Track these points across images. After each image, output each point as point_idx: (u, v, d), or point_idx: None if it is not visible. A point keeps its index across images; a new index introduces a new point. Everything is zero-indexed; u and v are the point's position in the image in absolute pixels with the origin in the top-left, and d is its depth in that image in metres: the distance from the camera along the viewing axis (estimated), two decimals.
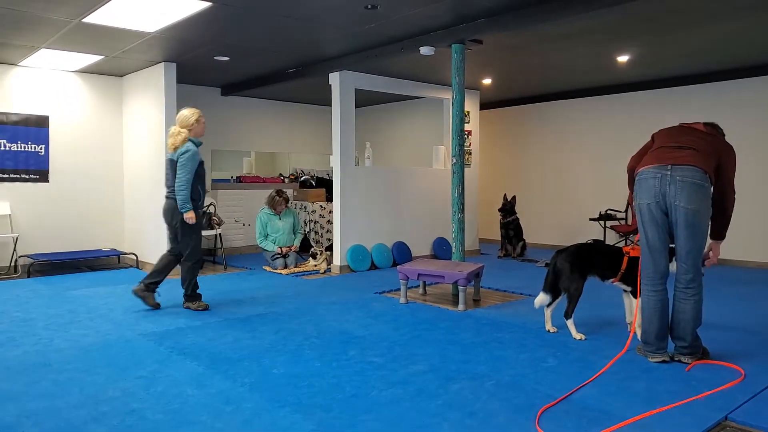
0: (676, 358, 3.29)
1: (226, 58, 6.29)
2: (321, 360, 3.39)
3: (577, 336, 3.81)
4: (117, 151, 7.37)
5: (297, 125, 9.41)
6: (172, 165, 4.56)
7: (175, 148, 4.54)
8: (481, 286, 5.58)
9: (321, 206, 8.18)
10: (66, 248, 6.92)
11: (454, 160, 5.27)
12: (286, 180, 9.15)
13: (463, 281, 4.64)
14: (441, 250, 7.65)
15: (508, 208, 7.92)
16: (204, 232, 7.08)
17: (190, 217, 4.50)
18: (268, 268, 6.86)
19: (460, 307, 4.70)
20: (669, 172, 3.14)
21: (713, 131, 3.38)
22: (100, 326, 4.18)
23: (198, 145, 4.62)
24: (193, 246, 4.65)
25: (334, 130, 6.73)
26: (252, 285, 5.89)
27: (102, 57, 6.19)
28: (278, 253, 6.86)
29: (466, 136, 7.98)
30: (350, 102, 6.75)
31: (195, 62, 6.48)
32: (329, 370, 3.20)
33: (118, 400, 2.77)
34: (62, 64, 6.56)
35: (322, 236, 8.10)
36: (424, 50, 5.36)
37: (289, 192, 8.70)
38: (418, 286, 5.46)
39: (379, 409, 2.66)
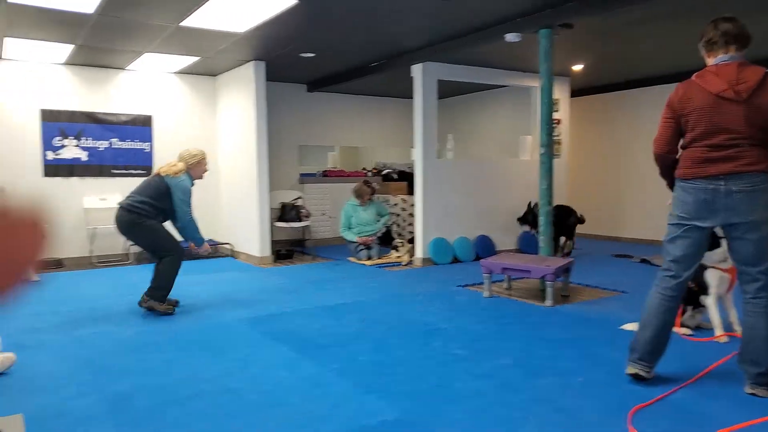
0: (750, 391, 2.69)
1: (312, 55, 6.48)
2: (405, 349, 3.44)
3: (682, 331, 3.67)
4: (213, 147, 7.80)
5: (379, 119, 9.52)
6: (159, 180, 4.36)
7: (167, 173, 4.38)
8: (571, 282, 5.41)
9: (403, 199, 8.24)
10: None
11: (542, 151, 5.13)
12: (369, 174, 9.29)
13: (550, 276, 4.52)
14: (527, 244, 7.48)
15: (530, 219, 6.90)
16: (293, 224, 7.39)
17: (207, 248, 4.58)
18: (352, 259, 7.02)
19: (547, 302, 4.59)
20: (723, 185, 2.60)
21: (755, 73, 2.56)
22: (200, 311, 4.47)
23: (192, 184, 4.49)
24: (167, 242, 4.37)
25: (416, 123, 6.75)
26: (338, 275, 6.06)
27: (198, 58, 6.57)
28: (360, 244, 7.00)
29: (554, 125, 7.71)
30: (432, 94, 6.74)
31: (282, 60, 6.73)
32: (413, 360, 3.25)
33: (216, 379, 2.96)
34: (163, 67, 7.03)
35: (404, 229, 8.17)
36: (510, 37, 5.24)
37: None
38: (503, 280, 5.39)
39: (463, 400, 2.67)
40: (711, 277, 3.56)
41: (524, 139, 7.76)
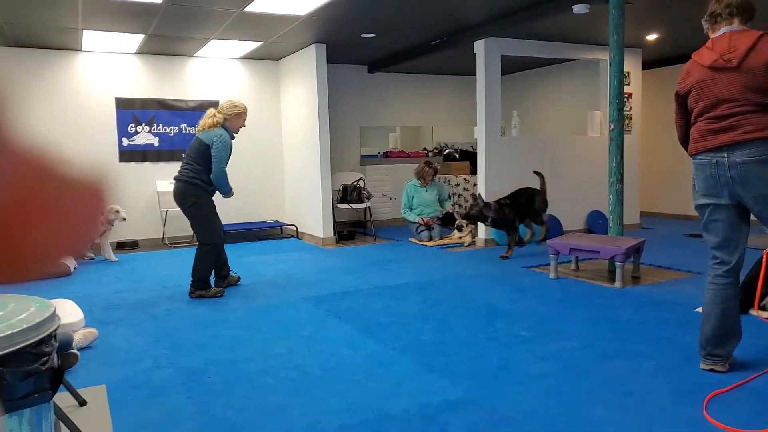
0: None
1: (373, 35, 6.45)
2: (467, 330, 3.42)
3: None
4: (276, 131, 7.96)
5: (440, 98, 9.40)
6: (198, 143, 4.32)
7: (202, 129, 4.36)
8: (642, 263, 5.19)
9: (465, 179, 8.13)
10: (237, 220, 7.69)
11: (612, 126, 4.91)
12: (430, 154, 9.22)
13: (620, 257, 4.35)
14: (596, 224, 7.24)
15: (474, 213, 5.84)
16: (354, 205, 7.47)
17: (232, 194, 4.48)
18: (413, 240, 7.03)
19: (617, 284, 4.43)
20: (725, 157, 2.43)
21: (747, 37, 2.44)
22: (266, 290, 4.61)
23: (231, 137, 4.41)
24: (204, 231, 4.38)
25: (478, 100, 6.61)
26: (399, 255, 6.08)
27: (261, 43, 6.69)
28: (421, 224, 6.98)
29: (625, 100, 7.38)
30: (496, 70, 6.57)
31: (343, 41, 6.74)
32: (476, 341, 3.22)
33: (284, 356, 3.05)
34: (228, 53, 7.21)
35: (466, 209, 8.07)
36: (578, 8, 5.02)
37: None
38: (570, 261, 5.24)
39: (528, 382, 2.63)
40: None
41: (593, 114, 7.46)
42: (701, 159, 2.54)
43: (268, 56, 7.56)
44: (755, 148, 2.36)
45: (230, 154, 4.38)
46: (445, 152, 9.28)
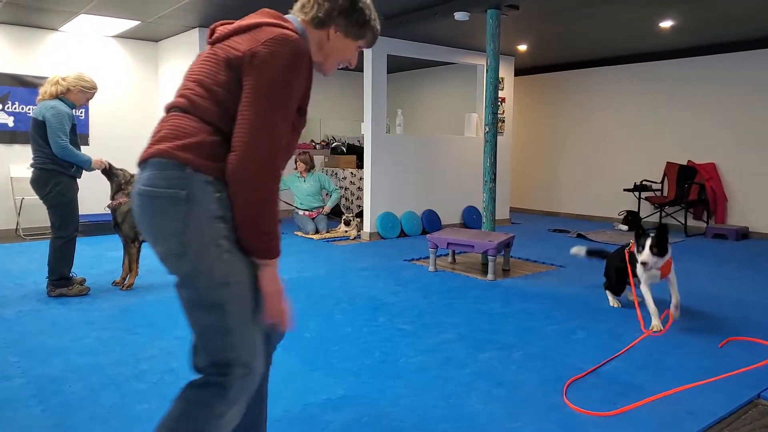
0: None
1: None
2: (351, 325, 3.46)
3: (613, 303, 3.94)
4: (153, 115, 7.48)
5: (328, 91, 9.38)
6: (34, 123, 3.86)
7: (42, 98, 3.90)
8: (511, 256, 5.56)
9: (351, 173, 8.19)
10: (100, 210, 7.11)
11: (487, 129, 5.20)
12: (317, 146, 9.17)
13: (492, 251, 4.63)
14: (471, 219, 7.63)
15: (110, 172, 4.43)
16: None
17: (101, 163, 4.09)
18: (299, 233, 6.96)
19: (489, 276, 4.71)
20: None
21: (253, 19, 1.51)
22: (136, 286, 4.31)
23: (71, 107, 3.94)
24: (62, 221, 3.96)
25: (365, 97, 6.68)
26: (284, 249, 5.98)
27: (138, 22, 6.24)
28: (305, 216, 6.96)
29: (499, 104, 7.85)
30: (382, 68, 6.68)
31: None
32: (359, 336, 3.27)
33: (157, 359, 2.89)
34: (100, 30, 6.64)
35: (352, 203, 8.15)
36: (459, 16, 5.24)
37: (319, 158, 8.73)
38: (448, 254, 5.48)
39: (408, 375, 2.72)
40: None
41: (470, 116, 7.84)
42: None
43: (147, 36, 7.07)
44: (152, 174, 1.40)
45: (71, 125, 3.90)
46: (333, 145, 9.27)
